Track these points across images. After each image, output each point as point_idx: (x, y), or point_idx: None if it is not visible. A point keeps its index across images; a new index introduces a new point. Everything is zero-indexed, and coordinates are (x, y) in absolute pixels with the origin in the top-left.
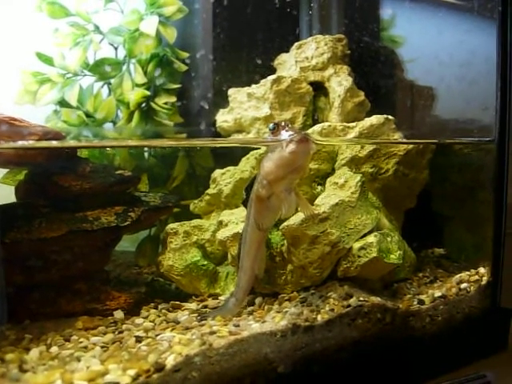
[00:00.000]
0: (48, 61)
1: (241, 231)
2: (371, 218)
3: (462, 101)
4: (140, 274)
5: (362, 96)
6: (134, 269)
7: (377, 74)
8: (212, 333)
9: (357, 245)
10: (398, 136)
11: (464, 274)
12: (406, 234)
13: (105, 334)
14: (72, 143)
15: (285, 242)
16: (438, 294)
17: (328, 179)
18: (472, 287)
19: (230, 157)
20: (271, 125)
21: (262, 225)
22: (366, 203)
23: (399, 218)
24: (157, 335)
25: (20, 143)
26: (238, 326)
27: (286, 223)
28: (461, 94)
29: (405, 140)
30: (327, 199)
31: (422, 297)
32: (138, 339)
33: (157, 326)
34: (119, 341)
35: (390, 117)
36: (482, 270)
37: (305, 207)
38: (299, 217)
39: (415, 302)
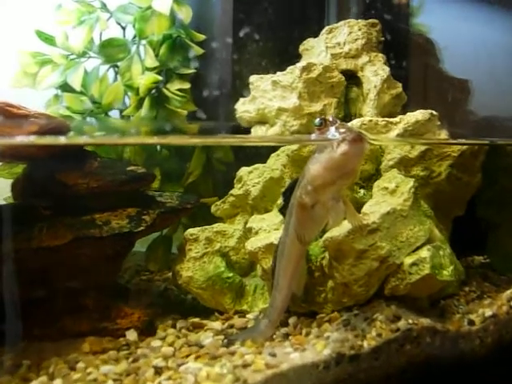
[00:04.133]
0: (49, 40)
1: (275, 242)
2: (424, 229)
3: None
4: (151, 282)
5: (399, 88)
6: (144, 274)
7: (412, 63)
8: (246, 365)
9: (408, 260)
10: (444, 134)
11: None
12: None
13: (116, 360)
14: (80, 139)
15: (326, 254)
16: (488, 313)
17: (376, 183)
18: None
19: (254, 151)
20: (318, 120)
21: (304, 237)
22: (419, 212)
23: (448, 226)
24: (179, 365)
25: (19, 139)
26: (275, 355)
27: (329, 234)
28: None
29: (462, 140)
30: (377, 207)
31: (472, 316)
32: (157, 370)
33: (177, 352)
34: (135, 372)
35: (434, 112)
36: None
37: (353, 217)
38: (345, 227)
39: (465, 323)
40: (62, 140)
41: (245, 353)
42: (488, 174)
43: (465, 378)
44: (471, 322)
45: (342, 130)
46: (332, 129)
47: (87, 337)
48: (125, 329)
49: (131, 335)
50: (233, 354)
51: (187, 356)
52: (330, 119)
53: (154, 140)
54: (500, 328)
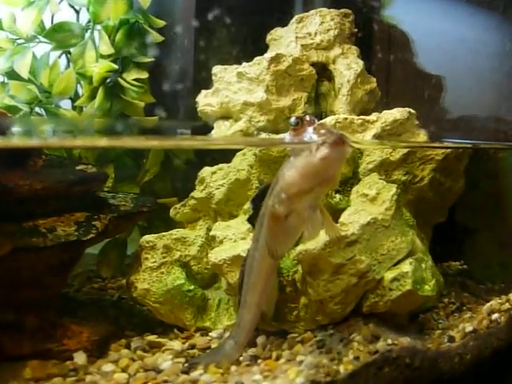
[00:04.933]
0: None
1: (243, 253)
2: (406, 240)
3: (496, 95)
4: (104, 290)
5: (373, 83)
6: (95, 281)
7: (385, 58)
8: None
9: (389, 275)
10: (423, 135)
11: (495, 302)
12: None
13: None
14: (18, 141)
15: (299, 267)
16: (469, 328)
17: (354, 189)
18: (502, 317)
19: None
20: (293, 119)
21: (277, 251)
22: (401, 222)
23: (428, 235)
24: None
25: None
26: None
27: (303, 247)
28: (495, 87)
29: (448, 143)
30: (356, 217)
31: (452, 332)
32: None
33: (132, 379)
34: None
35: (412, 110)
36: None
37: (331, 228)
38: (321, 240)
39: (445, 340)
40: None
41: (208, 382)
42: (468, 178)
43: None
44: (451, 339)
45: (322, 132)
46: (310, 129)
47: (29, 360)
48: (72, 350)
49: (79, 358)
50: (195, 382)
51: None
52: (308, 118)
53: (106, 142)
54: (480, 344)
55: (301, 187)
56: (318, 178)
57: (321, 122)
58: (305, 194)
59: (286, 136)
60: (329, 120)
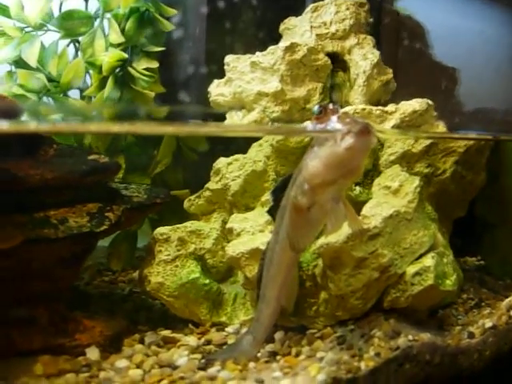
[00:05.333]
0: (2, 10)
1: (262, 247)
2: (428, 234)
3: None
4: (114, 283)
5: (389, 74)
6: (106, 274)
7: (401, 48)
8: None
9: (411, 269)
10: (441, 126)
11: None
12: None
13: None
14: (31, 125)
15: (319, 261)
16: (488, 324)
17: (376, 181)
18: None
19: (231, 139)
20: (316, 107)
21: (298, 244)
22: (423, 215)
23: (449, 229)
24: None
25: None
26: (262, 382)
27: (324, 240)
28: None
29: (471, 135)
30: (378, 209)
31: (472, 328)
32: None
33: (147, 375)
34: None
35: (430, 102)
36: None
37: (353, 221)
38: (342, 233)
39: (465, 336)
40: (6, 126)
41: (227, 378)
42: (488, 172)
43: None
44: (471, 335)
45: (347, 121)
46: (333, 118)
47: (40, 355)
48: (85, 345)
49: (92, 353)
50: (213, 379)
51: (159, 381)
52: (331, 107)
53: (119, 128)
54: (499, 340)
55: (324, 178)
56: (343, 169)
57: (344, 110)
58: (328, 186)
59: (309, 125)
60: (347, 110)
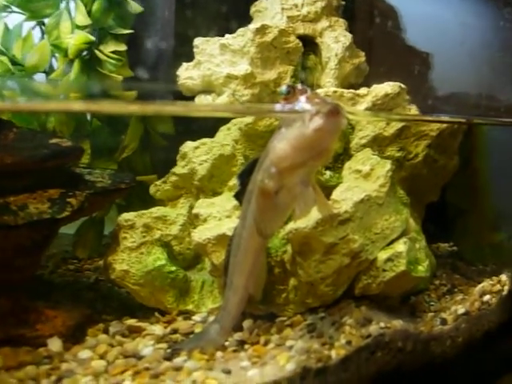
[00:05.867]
0: None
1: (228, 232)
2: (401, 219)
3: (489, 71)
4: (80, 272)
5: (362, 57)
6: (71, 262)
7: (373, 32)
8: None
9: (383, 255)
10: (414, 110)
11: (486, 284)
12: None
13: (35, 379)
14: None
15: (288, 247)
16: (461, 310)
17: (347, 165)
18: (494, 299)
19: (199, 123)
20: (284, 87)
21: (266, 229)
22: (395, 199)
23: (421, 214)
24: None
25: None
26: (229, 372)
27: (293, 225)
28: (487, 63)
29: (443, 118)
30: (349, 193)
31: (445, 315)
32: None
33: (111, 367)
34: None
35: (402, 85)
36: (503, 277)
37: (323, 205)
38: (312, 218)
39: (438, 322)
40: None
41: (193, 368)
42: (460, 157)
43: (435, 382)
44: (444, 321)
45: (316, 101)
46: (302, 99)
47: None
48: (46, 336)
49: (54, 344)
50: (178, 369)
51: (123, 372)
52: (300, 87)
53: (83, 106)
54: (471, 326)
55: (292, 160)
56: (311, 151)
57: (314, 91)
58: (296, 168)
59: (277, 106)
60: (318, 92)
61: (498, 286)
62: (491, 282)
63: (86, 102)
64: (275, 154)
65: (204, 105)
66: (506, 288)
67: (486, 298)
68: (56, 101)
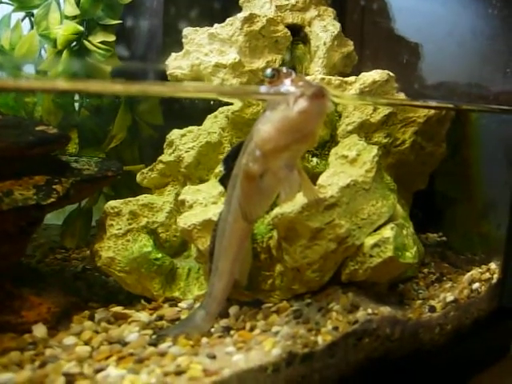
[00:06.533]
0: None
1: (214, 218)
2: (387, 204)
3: (477, 60)
4: (67, 261)
5: (350, 46)
6: (59, 252)
7: (363, 21)
8: (179, 372)
9: (369, 241)
10: (402, 97)
11: (476, 272)
12: None
13: (19, 365)
14: None
15: (274, 233)
16: (450, 298)
17: (333, 150)
18: (483, 287)
19: (187, 113)
20: (269, 70)
21: (251, 214)
22: (382, 185)
23: (409, 201)
24: (97, 371)
25: None
26: (214, 357)
27: (279, 210)
28: (476, 51)
29: (431, 103)
30: (335, 179)
31: (433, 302)
32: (69, 379)
33: (95, 352)
34: (40, 382)
35: (391, 73)
36: (493, 265)
37: (308, 189)
38: (297, 202)
39: (426, 310)
40: None
41: (177, 354)
42: (449, 145)
43: (423, 370)
44: (432, 309)
45: (301, 84)
46: (287, 81)
47: None
48: (31, 323)
49: (39, 331)
50: (163, 355)
51: (107, 358)
52: (284, 70)
53: (64, 85)
54: (460, 314)
55: (277, 143)
56: (296, 134)
57: (299, 74)
58: (281, 152)
59: (262, 89)
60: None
61: (488, 275)
62: (480, 270)
63: (72, 80)
64: (259, 137)
65: (190, 85)
66: (496, 276)
67: (475, 285)
68: (41, 79)
